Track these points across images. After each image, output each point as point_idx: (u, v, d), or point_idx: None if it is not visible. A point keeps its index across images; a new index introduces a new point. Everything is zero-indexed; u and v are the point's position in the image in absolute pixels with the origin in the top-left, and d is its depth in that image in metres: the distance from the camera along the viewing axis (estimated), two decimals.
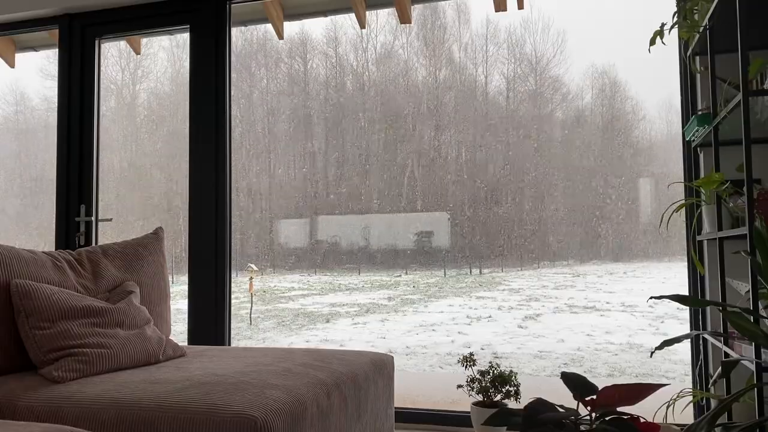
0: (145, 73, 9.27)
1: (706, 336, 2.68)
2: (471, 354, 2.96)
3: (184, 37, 3.66)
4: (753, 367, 1.85)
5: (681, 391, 2.61)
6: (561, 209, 8.73)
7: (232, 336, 3.46)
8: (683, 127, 2.89)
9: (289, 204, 9.80)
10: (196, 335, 3.41)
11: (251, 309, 9.69)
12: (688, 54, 2.74)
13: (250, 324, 9.45)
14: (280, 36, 3.92)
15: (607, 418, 1.72)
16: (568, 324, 8.51)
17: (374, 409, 2.35)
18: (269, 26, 3.93)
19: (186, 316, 3.44)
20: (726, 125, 2.33)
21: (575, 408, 1.79)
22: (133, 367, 2.19)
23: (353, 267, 10.12)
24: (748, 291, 1.95)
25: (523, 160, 8.78)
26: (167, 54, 9.01)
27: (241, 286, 9.65)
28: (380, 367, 2.46)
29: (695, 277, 2.86)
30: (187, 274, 3.43)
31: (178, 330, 4.06)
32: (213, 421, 1.66)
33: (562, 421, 1.69)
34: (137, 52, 4.45)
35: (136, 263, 2.63)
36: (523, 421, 1.70)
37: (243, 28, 4.35)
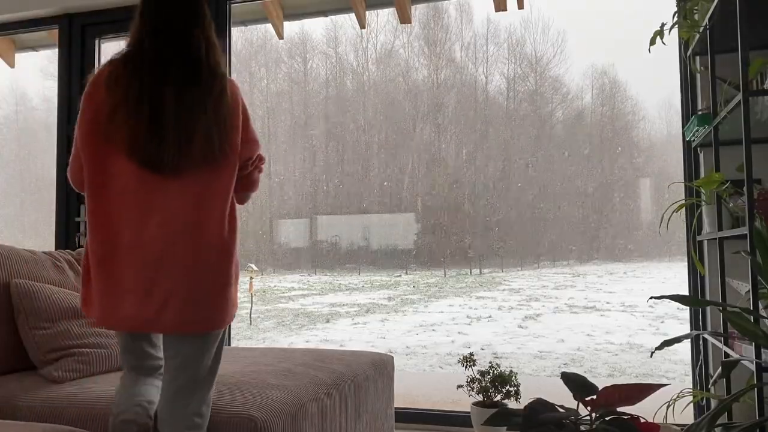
0: None
1: (706, 336, 2.68)
2: (471, 354, 2.95)
3: None
4: (753, 367, 1.86)
5: (681, 391, 2.61)
6: (561, 209, 8.72)
7: (232, 336, 3.46)
8: (683, 127, 2.89)
9: (289, 204, 9.80)
10: None
11: (251, 309, 9.69)
12: (688, 54, 2.74)
13: (250, 324, 9.45)
14: (280, 36, 3.92)
15: (607, 418, 1.72)
16: (568, 324, 8.51)
17: (374, 409, 2.35)
18: (269, 26, 3.92)
19: None
20: (726, 125, 2.33)
21: (575, 408, 1.79)
22: None
23: (353, 267, 10.12)
24: (748, 291, 1.95)
25: (523, 159, 8.77)
26: None
27: (241, 286, 9.66)
28: (380, 367, 2.46)
29: (695, 277, 2.86)
30: None
31: None
32: (213, 420, 1.66)
33: (562, 421, 1.69)
34: None
35: None
36: (523, 421, 1.70)
37: (243, 28, 4.34)
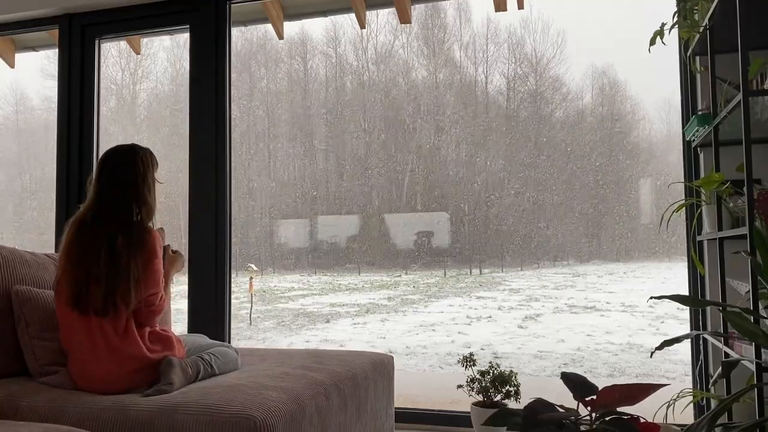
0: (145, 73, 9.26)
1: (706, 336, 2.68)
2: (471, 354, 2.95)
3: (184, 37, 3.65)
4: (753, 367, 1.85)
5: (681, 391, 2.61)
6: (561, 209, 8.72)
7: (232, 336, 3.46)
8: (683, 127, 2.89)
9: (289, 204, 9.79)
10: None
11: (251, 309, 9.68)
12: (688, 54, 2.74)
13: (250, 324, 9.45)
14: (280, 36, 3.92)
15: (607, 419, 1.72)
16: (568, 324, 8.50)
17: (374, 409, 2.35)
18: (269, 26, 3.92)
19: (186, 316, 3.44)
20: (726, 125, 2.33)
21: (575, 408, 1.79)
22: None
23: (353, 267, 10.12)
24: (748, 291, 1.95)
25: (523, 160, 8.78)
26: (167, 54, 9.01)
27: (241, 286, 9.65)
28: (380, 367, 2.46)
29: (695, 277, 2.86)
30: (187, 274, 3.43)
31: (178, 330, 4.05)
32: (212, 421, 1.66)
33: (562, 421, 1.69)
34: (137, 52, 4.45)
35: None
36: (523, 422, 1.70)
37: (243, 28, 4.34)
